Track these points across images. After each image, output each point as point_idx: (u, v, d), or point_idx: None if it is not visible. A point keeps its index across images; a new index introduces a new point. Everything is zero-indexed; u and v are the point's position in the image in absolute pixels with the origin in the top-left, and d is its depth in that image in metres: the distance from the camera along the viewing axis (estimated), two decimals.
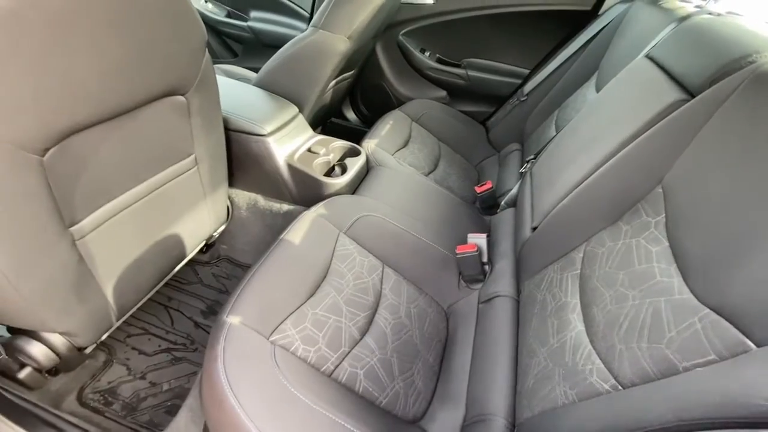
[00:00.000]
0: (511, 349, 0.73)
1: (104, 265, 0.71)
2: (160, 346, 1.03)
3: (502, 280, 0.87)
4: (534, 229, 0.89)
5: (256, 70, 1.37)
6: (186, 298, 1.16)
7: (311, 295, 0.75)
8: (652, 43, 1.00)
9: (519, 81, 1.65)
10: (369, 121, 1.83)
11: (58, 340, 0.70)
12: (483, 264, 0.93)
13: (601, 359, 0.55)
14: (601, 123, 0.90)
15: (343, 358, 0.70)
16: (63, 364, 0.74)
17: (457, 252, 0.91)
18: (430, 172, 1.34)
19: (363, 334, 0.76)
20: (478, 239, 0.95)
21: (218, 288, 1.20)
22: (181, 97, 0.74)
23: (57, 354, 0.71)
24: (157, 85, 0.67)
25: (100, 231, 0.68)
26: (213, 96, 0.83)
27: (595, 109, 0.99)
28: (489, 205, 1.25)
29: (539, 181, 1.00)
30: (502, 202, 1.19)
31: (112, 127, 0.63)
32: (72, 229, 0.63)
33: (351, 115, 2.00)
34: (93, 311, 0.72)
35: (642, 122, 0.74)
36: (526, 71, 1.64)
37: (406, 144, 1.39)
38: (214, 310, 1.14)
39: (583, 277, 0.67)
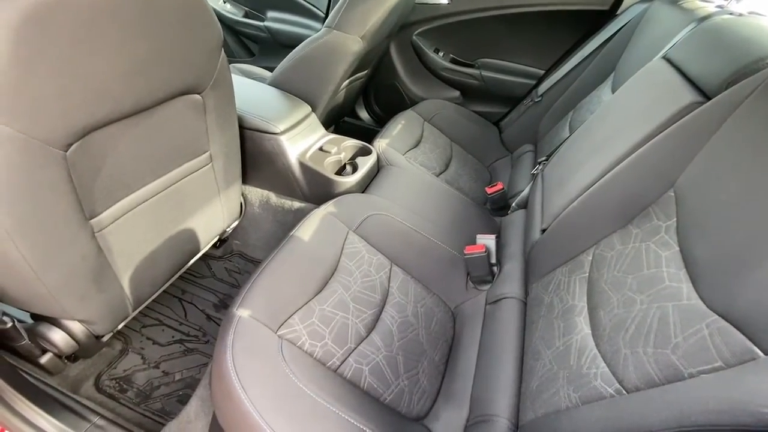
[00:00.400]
0: (517, 351, 0.73)
1: (121, 256, 0.74)
2: (173, 337, 1.07)
3: (510, 282, 0.86)
4: (543, 231, 0.88)
5: (272, 70, 1.39)
6: (199, 291, 1.19)
7: (319, 291, 0.77)
8: (670, 44, 0.98)
9: (533, 82, 1.64)
10: (382, 121, 1.84)
11: (77, 327, 0.73)
12: (491, 265, 0.93)
13: (606, 363, 0.54)
14: (614, 125, 0.89)
15: (349, 354, 0.71)
16: (82, 351, 0.78)
17: (466, 252, 0.91)
18: (441, 173, 1.34)
19: (369, 331, 0.77)
20: (487, 240, 0.95)
21: (230, 282, 1.23)
22: (197, 96, 0.76)
23: (76, 341, 0.74)
24: (175, 84, 0.70)
25: (118, 224, 0.71)
26: (228, 95, 0.85)
27: (608, 111, 0.98)
28: (499, 206, 1.25)
29: (550, 183, 0.99)
30: (513, 204, 1.18)
31: (130, 124, 0.65)
32: (92, 221, 0.65)
33: (364, 114, 2.01)
34: (110, 301, 0.75)
35: (655, 124, 0.73)
36: (541, 72, 1.63)
37: (417, 144, 1.40)
38: (225, 304, 1.17)
39: (591, 281, 0.67)
